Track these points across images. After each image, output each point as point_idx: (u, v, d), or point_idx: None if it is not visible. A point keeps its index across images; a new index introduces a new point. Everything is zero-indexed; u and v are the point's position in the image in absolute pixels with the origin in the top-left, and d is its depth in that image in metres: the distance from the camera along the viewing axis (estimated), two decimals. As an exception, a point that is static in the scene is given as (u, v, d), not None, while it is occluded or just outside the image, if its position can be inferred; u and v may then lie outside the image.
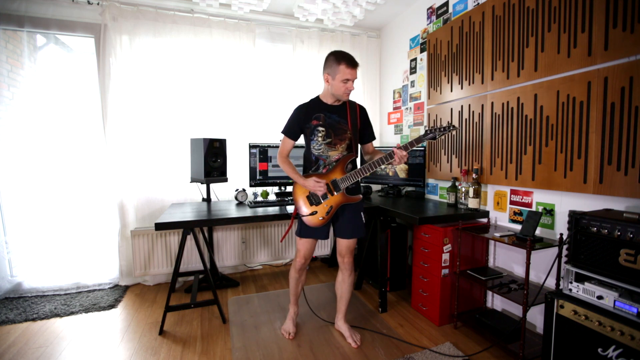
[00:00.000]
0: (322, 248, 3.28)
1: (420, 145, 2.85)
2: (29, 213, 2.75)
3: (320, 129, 1.82)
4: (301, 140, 1.98)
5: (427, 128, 1.75)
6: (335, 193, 1.81)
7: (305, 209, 1.85)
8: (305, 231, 1.90)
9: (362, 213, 1.95)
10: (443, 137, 2.60)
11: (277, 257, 3.22)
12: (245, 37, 3.04)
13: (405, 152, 1.69)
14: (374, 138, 2.00)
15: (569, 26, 1.69)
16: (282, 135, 1.91)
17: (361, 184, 2.98)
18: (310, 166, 1.90)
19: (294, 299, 2.11)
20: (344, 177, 1.79)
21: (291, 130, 1.87)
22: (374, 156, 1.89)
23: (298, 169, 1.92)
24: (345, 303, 2.04)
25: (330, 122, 1.83)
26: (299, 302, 2.15)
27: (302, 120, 1.84)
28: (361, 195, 1.92)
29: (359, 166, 1.86)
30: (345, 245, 1.93)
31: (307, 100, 1.92)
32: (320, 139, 1.82)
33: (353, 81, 1.75)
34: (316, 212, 1.83)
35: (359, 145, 2.01)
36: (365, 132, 1.95)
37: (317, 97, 1.90)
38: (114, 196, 2.78)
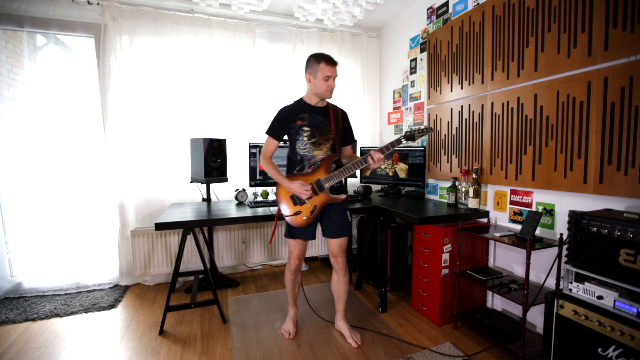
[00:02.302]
0: (322, 248, 3.28)
1: (419, 145, 2.87)
2: (29, 213, 2.75)
3: (306, 129, 1.84)
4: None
5: (406, 131, 1.80)
6: (319, 192, 1.83)
7: (288, 209, 1.86)
8: (291, 232, 1.92)
9: (347, 212, 1.97)
10: (443, 137, 2.61)
11: (276, 257, 3.22)
12: (245, 37, 3.04)
13: (382, 154, 1.75)
14: (354, 141, 2.06)
15: (569, 26, 1.69)
16: (266, 136, 1.92)
17: (362, 184, 3.03)
18: (294, 166, 1.91)
19: (292, 301, 2.12)
20: (328, 176, 1.82)
21: (275, 130, 1.89)
22: (351, 159, 1.96)
23: (281, 169, 1.94)
24: (343, 303, 2.05)
25: (314, 122, 1.86)
26: (297, 302, 2.16)
27: (287, 120, 1.87)
28: (345, 195, 1.93)
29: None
30: (336, 245, 1.94)
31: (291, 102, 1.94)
32: (305, 138, 1.84)
33: (334, 79, 1.82)
34: (300, 212, 1.84)
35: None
36: (346, 134, 1.99)
37: (301, 99, 1.93)
38: (114, 196, 2.78)
